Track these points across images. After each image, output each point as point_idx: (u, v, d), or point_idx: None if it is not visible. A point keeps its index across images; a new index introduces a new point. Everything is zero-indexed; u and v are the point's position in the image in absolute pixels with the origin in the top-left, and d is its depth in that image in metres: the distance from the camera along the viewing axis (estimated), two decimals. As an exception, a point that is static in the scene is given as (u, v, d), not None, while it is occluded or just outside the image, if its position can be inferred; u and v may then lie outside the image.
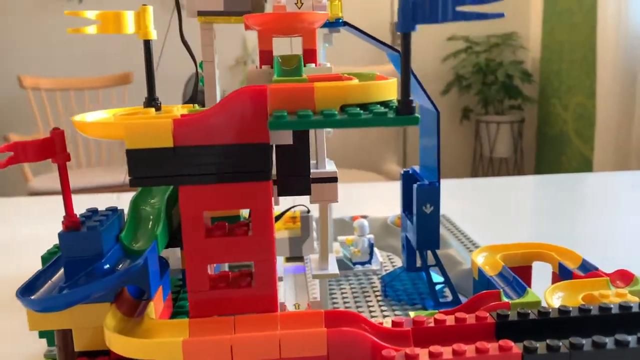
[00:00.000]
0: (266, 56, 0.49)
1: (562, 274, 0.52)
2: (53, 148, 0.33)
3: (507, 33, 2.95)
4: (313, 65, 0.49)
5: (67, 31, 0.31)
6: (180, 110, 0.35)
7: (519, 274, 0.52)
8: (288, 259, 0.72)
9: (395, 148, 2.66)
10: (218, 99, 0.58)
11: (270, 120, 0.29)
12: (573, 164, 2.74)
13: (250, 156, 0.31)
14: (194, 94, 0.60)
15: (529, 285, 0.55)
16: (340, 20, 0.55)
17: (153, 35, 0.33)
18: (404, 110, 0.29)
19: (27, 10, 2.86)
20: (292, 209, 0.68)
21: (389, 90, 0.33)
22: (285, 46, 0.61)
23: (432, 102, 0.57)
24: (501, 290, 0.47)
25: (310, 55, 0.50)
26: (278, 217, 0.63)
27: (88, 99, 2.70)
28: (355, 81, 0.34)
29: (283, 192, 0.42)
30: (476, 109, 3.06)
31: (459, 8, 0.28)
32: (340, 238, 0.76)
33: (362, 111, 0.30)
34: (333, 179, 0.48)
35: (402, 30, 0.29)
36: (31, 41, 2.88)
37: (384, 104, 0.33)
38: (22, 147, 0.32)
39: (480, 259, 0.54)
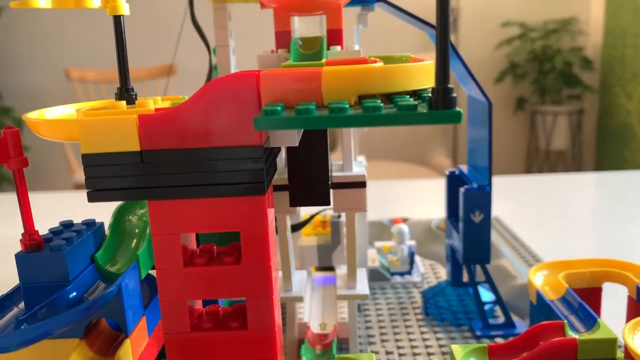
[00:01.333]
0: (282, 38, 0.42)
1: (641, 299, 0.43)
2: (7, 151, 0.27)
3: (566, 18, 2.77)
4: (338, 48, 0.42)
5: (10, 5, 0.24)
6: (159, 104, 0.28)
7: (586, 298, 0.43)
8: (318, 268, 0.64)
9: (445, 138, 2.55)
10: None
11: (256, 117, 0.21)
12: (638, 158, 2.55)
13: (239, 163, 0.24)
14: (208, 79, 0.54)
15: (599, 313, 0.46)
16: (375, -4, 0.46)
17: (124, 9, 0.26)
18: (440, 102, 0.21)
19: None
20: (322, 212, 0.61)
21: (423, 75, 0.24)
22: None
23: (482, 92, 0.49)
24: (565, 321, 0.38)
25: (335, 36, 0.42)
26: (306, 222, 0.56)
27: (134, 89, 2.71)
28: (380, 63, 0.26)
29: (296, 202, 0.35)
30: (531, 99, 2.89)
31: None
32: (377, 244, 0.68)
33: (383, 104, 0.22)
34: (360, 184, 0.41)
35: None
36: (78, 33, 2.91)
37: (416, 94, 0.25)
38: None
39: (538, 279, 0.46)
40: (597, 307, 0.46)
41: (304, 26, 0.51)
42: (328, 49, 0.41)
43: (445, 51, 0.21)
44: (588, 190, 1.04)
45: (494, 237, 0.73)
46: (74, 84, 2.62)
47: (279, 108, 0.22)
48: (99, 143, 0.24)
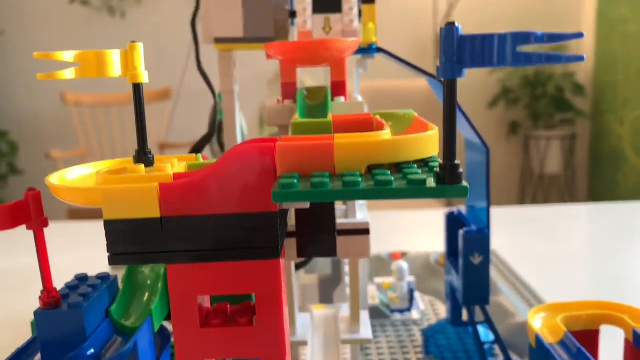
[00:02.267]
0: (289, 89, 0.43)
1: (637, 342, 0.44)
2: (28, 212, 0.27)
3: (558, 44, 2.82)
4: (342, 99, 0.43)
5: (37, 77, 0.25)
6: (176, 165, 0.29)
7: (584, 341, 0.44)
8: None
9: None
10: (238, 134, 0.53)
11: (274, 191, 0.22)
12: (630, 183, 2.57)
13: (255, 229, 0.25)
14: (212, 129, 0.55)
15: (597, 356, 0.47)
16: (374, 46, 0.48)
17: (144, 77, 0.27)
18: (448, 177, 0.22)
19: (71, 26, 2.91)
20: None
21: (428, 145, 0.26)
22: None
23: (480, 138, 0.50)
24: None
25: (339, 87, 0.43)
26: (308, 261, 0.57)
27: (129, 113, 2.72)
28: (387, 131, 0.27)
29: (303, 253, 0.36)
30: (524, 124, 2.93)
31: (522, 48, 0.21)
32: (376, 280, 0.69)
33: (392, 177, 0.23)
34: (364, 231, 0.42)
35: (446, 77, 0.23)
36: (76, 58, 2.92)
37: (424, 162, 0.26)
38: (-12, 213, 0.26)
39: (537, 322, 0.46)
40: (594, 350, 0.47)
41: (308, 77, 0.52)
42: (332, 99, 0.43)
43: (452, 130, 0.23)
44: (583, 222, 1.05)
45: (492, 273, 0.74)
46: (70, 108, 2.64)
47: (295, 181, 0.23)
48: (121, 210, 0.25)
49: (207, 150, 0.63)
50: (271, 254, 0.26)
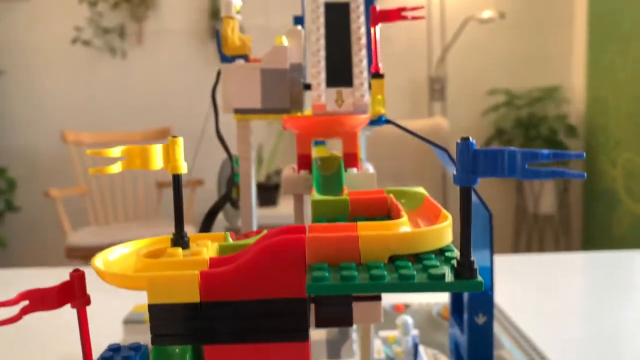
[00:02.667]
0: (304, 160, 0.46)
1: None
2: (72, 292, 0.30)
3: (550, 87, 2.90)
4: (354, 170, 0.46)
5: (89, 171, 0.28)
6: (210, 248, 0.32)
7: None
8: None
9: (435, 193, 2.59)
10: (253, 189, 0.55)
11: (308, 284, 0.25)
12: (624, 224, 2.61)
13: (285, 313, 0.28)
14: (229, 191, 0.57)
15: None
16: (383, 118, 0.51)
17: (184, 169, 0.30)
18: (465, 273, 0.25)
19: (72, 66, 2.96)
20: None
21: (445, 236, 0.29)
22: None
23: (482, 203, 0.53)
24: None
25: (351, 159, 0.46)
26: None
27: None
28: (404, 218, 0.30)
29: (320, 324, 0.38)
30: (518, 164, 2.97)
31: (531, 165, 0.24)
32: (381, 334, 0.71)
33: (415, 271, 0.26)
34: (376, 297, 0.44)
35: (461, 184, 0.26)
36: (75, 96, 2.97)
37: (441, 251, 0.29)
38: (39, 294, 0.29)
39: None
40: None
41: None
42: (345, 170, 0.46)
43: (467, 229, 0.25)
44: (579, 271, 1.08)
45: (494, 326, 0.76)
46: (69, 147, 2.66)
47: (327, 274, 0.25)
48: (164, 295, 0.27)
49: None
50: (301, 337, 0.28)
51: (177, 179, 0.30)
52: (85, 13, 2.83)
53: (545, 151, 0.24)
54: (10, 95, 2.96)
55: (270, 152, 2.80)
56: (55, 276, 1.00)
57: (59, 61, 2.95)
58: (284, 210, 2.63)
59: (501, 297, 0.87)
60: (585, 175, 0.25)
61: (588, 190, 2.98)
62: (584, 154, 0.25)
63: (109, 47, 2.87)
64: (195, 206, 2.72)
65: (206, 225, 0.53)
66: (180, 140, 0.30)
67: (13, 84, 2.95)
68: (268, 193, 2.61)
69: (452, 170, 0.51)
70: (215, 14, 2.85)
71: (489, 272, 0.53)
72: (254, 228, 0.57)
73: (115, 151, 0.29)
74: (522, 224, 3.01)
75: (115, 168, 0.29)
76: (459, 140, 0.25)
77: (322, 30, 0.53)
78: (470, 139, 0.25)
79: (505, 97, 2.89)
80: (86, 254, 2.36)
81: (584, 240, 3.04)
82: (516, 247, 3.01)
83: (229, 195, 0.55)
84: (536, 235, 3.00)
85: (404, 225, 0.29)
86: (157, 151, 0.29)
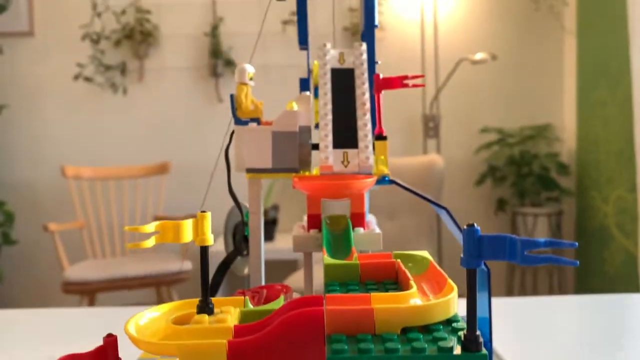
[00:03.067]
0: (314, 220, 0.49)
1: None
2: (106, 357, 0.32)
3: (541, 125, 2.96)
4: (361, 230, 0.49)
5: (127, 246, 0.31)
6: (233, 315, 0.34)
7: None
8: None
9: (430, 243, 2.63)
10: (262, 242, 0.58)
11: (328, 356, 0.28)
12: (617, 260, 2.64)
13: (306, 377, 0.30)
14: (240, 245, 0.60)
15: None
16: (387, 178, 0.54)
17: (211, 240, 0.33)
18: (472, 346, 0.28)
19: (74, 101, 3.01)
20: None
21: (451, 307, 0.31)
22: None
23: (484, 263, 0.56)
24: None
25: (358, 218, 0.49)
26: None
27: (127, 187, 2.78)
28: (414, 289, 0.33)
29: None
30: (512, 201, 3.02)
31: (530, 252, 0.27)
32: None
33: (425, 344, 0.28)
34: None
35: (468, 267, 0.29)
36: (76, 131, 3.01)
37: (448, 321, 0.31)
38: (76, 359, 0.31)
39: None
40: None
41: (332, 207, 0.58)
42: (353, 229, 0.49)
43: (474, 308, 0.28)
44: (574, 315, 1.10)
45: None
46: (69, 181, 2.69)
47: (345, 346, 0.28)
48: (194, 362, 0.30)
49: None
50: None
51: (204, 250, 0.33)
52: (87, 50, 2.89)
53: (542, 240, 0.27)
54: (12, 129, 3.00)
55: (266, 188, 2.83)
56: (54, 317, 1.01)
57: (61, 96, 2.99)
58: (280, 244, 2.66)
59: (496, 341, 0.89)
60: (578, 263, 0.28)
61: (580, 227, 3.01)
62: (576, 244, 0.28)
63: (110, 84, 2.92)
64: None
65: (218, 279, 0.55)
66: (208, 215, 0.33)
67: (15, 118, 2.98)
68: (265, 228, 2.63)
69: (451, 228, 0.54)
70: (215, 53, 2.91)
71: (488, 323, 0.56)
72: (262, 276, 0.59)
73: (150, 227, 0.32)
74: (517, 260, 3.03)
75: (150, 242, 0.32)
76: (466, 226, 0.28)
77: (329, 95, 0.57)
78: (475, 225, 0.28)
79: (498, 135, 2.94)
80: (83, 288, 2.36)
81: (578, 277, 3.06)
82: (510, 284, 3.03)
83: (240, 251, 0.58)
84: (530, 271, 3.02)
85: (414, 297, 0.32)
86: (188, 226, 0.32)
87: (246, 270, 0.62)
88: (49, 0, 2.96)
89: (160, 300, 2.58)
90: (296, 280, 2.30)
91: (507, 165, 2.91)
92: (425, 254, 0.42)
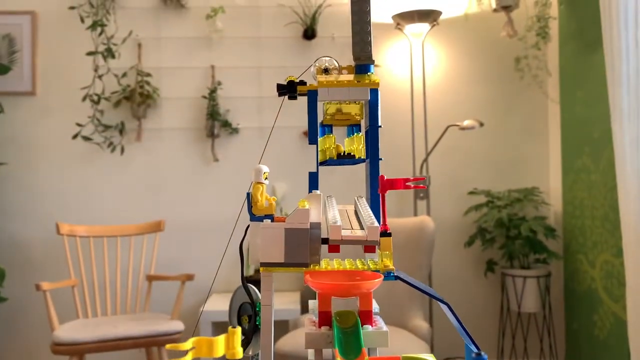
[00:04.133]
0: (325, 317, 0.54)
1: None
2: None
3: (528, 188, 3.04)
4: (369, 327, 0.53)
5: (166, 346, 0.35)
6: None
7: None
8: None
9: (422, 303, 2.65)
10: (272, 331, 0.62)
11: None
12: (606, 324, 2.67)
13: None
14: (250, 333, 0.64)
15: None
16: (392, 274, 0.59)
17: (240, 354, 0.38)
18: None
19: (71, 159, 3.06)
20: None
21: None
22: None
23: (476, 346, 0.60)
24: None
25: (366, 316, 0.54)
26: None
27: (120, 245, 2.80)
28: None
29: None
30: (501, 262, 3.07)
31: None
32: None
33: None
34: None
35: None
36: (72, 189, 3.05)
37: None
38: None
39: None
40: None
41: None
42: (362, 326, 0.53)
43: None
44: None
45: None
46: (63, 239, 2.70)
47: None
48: None
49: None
50: None
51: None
52: (87, 110, 2.97)
53: None
54: (8, 186, 3.03)
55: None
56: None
57: (59, 155, 3.05)
58: (276, 306, 2.66)
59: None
60: None
61: (569, 289, 3.05)
62: None
63: (108, 143, 2.98)
64: (184, 300, 2.74)
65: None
66: (238, 331, 0.38)
67: (12, 175, 3.02)
68: (258, 286, 2.64)
69: (452, 321, 0.58)
70: (213, 115, 3.00)
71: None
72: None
73: (188, 344, 0.36)
74: (507, 322, 3.05)
75: (188, 358, 0.36)
76: (474, 354, 0.33)
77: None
78: (483, 354, 0.33)
79: (486, 197, 3.02)
80: (72, 349, 2.34)
81: (568, 341, 3.08)
82: (502, 344, 3.04)
83: (249, 340, 0.62)
84: (520, 334, 3.03)
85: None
86: (221, 342, 0.37)
87: (250, 352, 0.66)
88: (52, 61, 3.06)
89: (150, 362, 2.55)
90: (287, 343, 2.30)
91: (496, 228, 2.97)
92: (432, 357, 0.46)
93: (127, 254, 2.84)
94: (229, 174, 3.03)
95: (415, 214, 3.04)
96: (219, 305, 2.69)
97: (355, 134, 0.70)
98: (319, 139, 0.68)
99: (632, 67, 2.25)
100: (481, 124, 2.83)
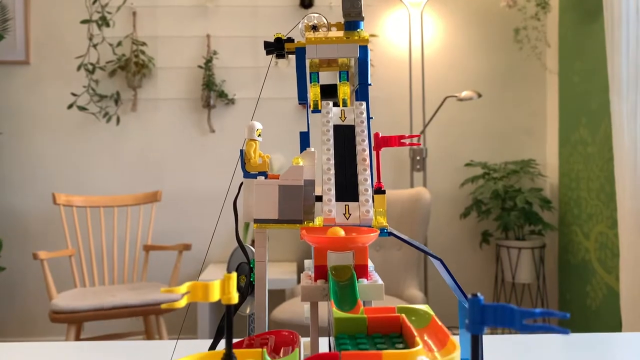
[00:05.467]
0: (321, 270, 0.54)
1: None
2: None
3: (525, 160, 3.05)
4: (365, 281, 0.53)
5: (161, 307, 0.35)
6: (252, 361, 0.39)
7: None
8: None
9: (417, 272, 2.67)
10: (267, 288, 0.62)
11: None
12: (599, 295, 2.70)
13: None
14: (246, 290, 0.64)
15: None
16: (385, 230, 0.59)
17: (236, 299, 0.38)
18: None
19: (67, 129, 3.04)
20: None
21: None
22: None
23: (464, 295, 0.61)
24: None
25: (362, 270, 0.54)
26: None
27: (117, 215, 2.80)
28: (420, 347, 0.37)
29: None
30: (496, 234, 3.09)
31: (527, 321, 0.32)
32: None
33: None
34: None
35: (473, 332, 0.33)
36: (68, 159, 3.04)
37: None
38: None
39: None
40: None
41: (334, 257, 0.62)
42: (357, 279, 0.53)
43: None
44: (559, 352, 1.15)
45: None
46: (59, 209, 2.70)
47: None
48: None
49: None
50: None
51: (229, 308, 0.37)
52: (82, 80, 2.94)
53: (537, 310, 0.31)
54: (4, 157, 3.02)
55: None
56: (39, 348, 1.03)
57: (54, 125, 3.03)
58: (272, 275, 2.68)
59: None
60: (569, 331, 0.32)
61: (563, 261, 3.08)
62: (568, 315, 0.32)
63: (103, 113, 2.96)
64: (181, 270, 2.75)
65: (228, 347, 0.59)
66: (234, 276, 0.38)
67: (8, 145, 3.01)
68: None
69: (445, 277, 0.58)
70: (209, 85, 2.98)
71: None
72: (266, 320, 0.63)
73: (183, 288, 0.36)
74: (501, 292, 3.08)
75: (182, 303, 0.36)
76: (470, 296, 0.33)
77: (332, 151, 0.62)
78: (479, 295, 0.33)
79: (482, 169, 3.02)
80: (70, 317, 2.36)
81: (560, 309, 3.12)
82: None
83: (245, 296, 0.62)
84: (514, 303, 3.06)
85: (420, 355, 0.36)
86: (216, 286, 0.37)
87: (248, 310, 0.66)
88: (45, 30, 3.02)
89: (148, 329, 2.58)
90: (284, 311, 2.32)
91: (491, 199, 2.98)
92: (427, 308, 0.46)
93: (124, 224, 2.85)
94: (225, 145, 3.02)
95: (412, 186, 3.04)
96: (216, 274, 2.71)
97: (343, 80, 0.68)
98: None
99: (632, 34, 2.22)
100: (479, 95, 2.81)
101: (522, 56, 3.08)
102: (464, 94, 2.79)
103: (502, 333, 2.93)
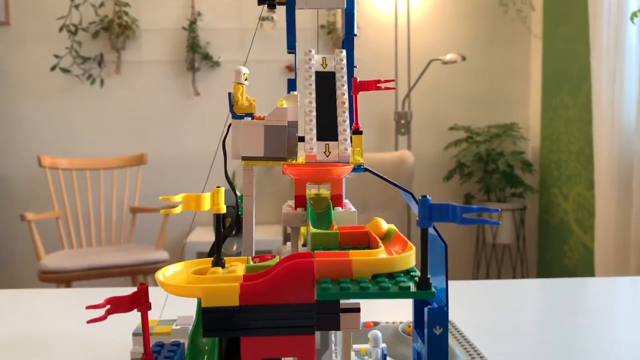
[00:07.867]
0: (300, 200, 0.58)
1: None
2: (139, 300, 0.40)
3: (508, 124, 3.10)
4: (340, 208, 0.58)
5: (161, 212, 0.39)
6: (241, 267, 0.43)
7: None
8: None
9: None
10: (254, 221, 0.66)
11: (317, 292, 0.37)
12: (575, 255, 2.79)
13: (300, 314, 0.39)
14: (234, 223, 0.68)
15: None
16: (362, 167, 0.63)
17: (224, 209, 0.42)
18: (423, 286, 0.37)
19: (50, 92, 3.02)
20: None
21: (411, 261, 0.41)
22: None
23: (440, 236, 0.65)
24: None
25: (338, 199, 0.58)
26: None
27: (103, 178, 2.81)
28: (382, 248, 0.42)
29: (319, 326, 0.49)
30: (478, 196, 3.15)
31: (466, 215, 0.37)
32: (355, 347, 0.82)
33: (390, 285, 0.38)
34: (356, 310, 0.56)
35: (422, 227, 0.38)
36: (52, 122, 3.03)
37: (407, 272, 0.41)
38: (116, 301, 0.39)
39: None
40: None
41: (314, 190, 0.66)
42: (333, 208, 0.58)
43: (425, 258, 0.37)
44: (534, 295, 1.21)
45: (450, 341, 0.88)
46: (45, 171, 2.71)
47: (330, 286, 0.37)
48: (213, 301, 0.38)
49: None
50: (309, 331, 0.39)
51: (218, 217, 0.41)
52: (64, 41, 2.91)
53: (475, 207, 0.36)
54: (-13, 120, 3.00)
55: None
56: (30, 295, 1.07)
57: (37, 87, 3.01)
58: (256, 236, 2.73)
59: (458, 317, 0.99)
60: (500, 223, 0.37)
61: (543, 222, 3.17)
62: (499, 210, 0.37)
63: (87, 75, 2.95)
64: (168, 232, 2.79)
65: (217, 250, 0.63)
66: (222, 190, 0.42)
67: (-10, 108, 2.99)
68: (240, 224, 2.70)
69: (414, 207, 0.63)
70: (193, 47, 2.97)
71: (444, 292, 0.65)
72: (253, 252, 0.67)
73: (178, 197, 0.40)
74: (482, 253, 3.17)
75: (177, 209, 0.40)
76: (420, 197, 0.37)
77: (314, 95, 0.66)
78: (428, 196, 0.37)
79: (466, 133, 3.07)
80: (59, 277, 2.40)
81: (539, 269, 3.22)
82: (476, 275, 3.17)
83: (234, 227, 0.66)
84: (495, 264, 3.16)
85: (382, 253, 0.41)
86: (207, 198, 0.41)
87: (235, 248, 0.70)
88: (26, -10, 2.97)
89: (136, 289, 2.63)
90: (271, 269, 2.38)
91: (474, 162, 3.03)
92: (392, 226, 0.51)
93: (110, 187, 2.87)
94: (210, 108, 3.03)
95: (397, 149, 3.08)
96: (203, 236, 2.75)
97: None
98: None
99: (613, -2, 2.25)
100: (463, 58, 2.84)
101: (507, 20, 3.10)
102: (449, 56, 2.82)
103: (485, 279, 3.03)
